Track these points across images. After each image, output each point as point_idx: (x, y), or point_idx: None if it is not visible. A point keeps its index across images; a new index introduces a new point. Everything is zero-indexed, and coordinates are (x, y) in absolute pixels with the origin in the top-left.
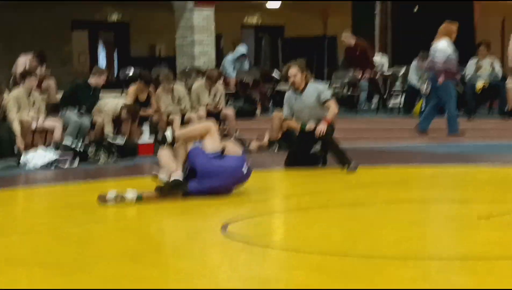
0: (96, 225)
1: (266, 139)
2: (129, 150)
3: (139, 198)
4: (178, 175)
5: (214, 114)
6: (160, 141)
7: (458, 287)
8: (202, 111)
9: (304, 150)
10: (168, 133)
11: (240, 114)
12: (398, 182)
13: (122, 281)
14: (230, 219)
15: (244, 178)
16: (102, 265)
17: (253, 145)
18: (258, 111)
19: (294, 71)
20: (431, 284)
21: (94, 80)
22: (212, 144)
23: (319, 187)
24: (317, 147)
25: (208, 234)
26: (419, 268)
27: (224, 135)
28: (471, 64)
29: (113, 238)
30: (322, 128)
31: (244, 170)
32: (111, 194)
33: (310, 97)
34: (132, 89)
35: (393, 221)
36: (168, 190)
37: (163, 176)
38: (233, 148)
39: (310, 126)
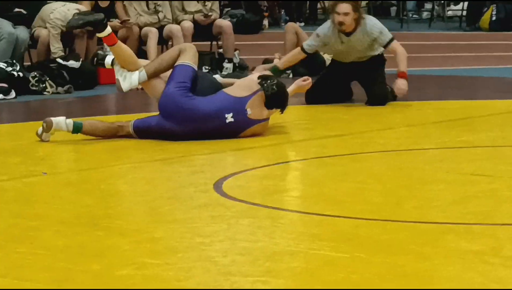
0: (39, 178)
1: (278, 62)
2: (87, 77)
3: (77, 128)
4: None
5: (204, 27)
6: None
7: None
8: (188, 22)
9: (337, 84)
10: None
11: (241, 27)
12: (459, 121)
13: (77, 253)
14: (225, 172)
15: (228, 129)
16: (50, 232)
17: (258, 71)
18: (265, 23)
19: (347, 9)
20: (505, 258)
21: None
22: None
23: (348, 127)
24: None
25: (196, 193)
26: (489, 236)
27: (218, 56)
28: None
29: (63, 195)
30: (404, 86)
31: (229, 118)
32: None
33: (361, 43)
34: None
35: (452, 172)
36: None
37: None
38: (234, 89)
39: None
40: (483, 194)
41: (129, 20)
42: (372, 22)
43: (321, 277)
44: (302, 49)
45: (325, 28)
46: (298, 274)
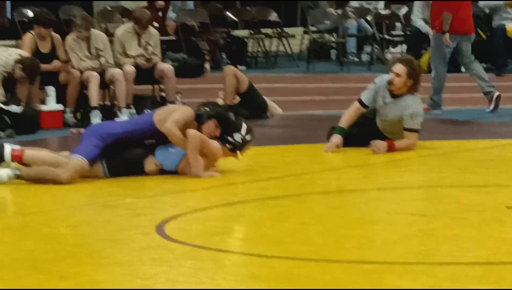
0: None
1: (340, 122)
2: (29, 121)
3: (17, 175)
4: None
5: (146, 71)
6: None
7: None
8: (130, 67)
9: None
10: None
11: (183, 70)
12: (399, 162)
13: None
14: (167, 215)
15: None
16: None
17: None
18: (207, 67)
19: (400, 70)
20: None
21: None
22: None
23: (288, 168)
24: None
25: (137, 236)
26: (429, 276)
27: (161, 99)
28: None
29: (4, 239)
30: (381, 148)
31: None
32: None
33: (394, 112)
34: (28, 36)
35: (392, 212)
36: None
37: None
38: None
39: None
40: (422, 234)
41: (70, 61)
42: (415, 102)
43: None
44: (359, 102)
45: (383, 79)
46: None
